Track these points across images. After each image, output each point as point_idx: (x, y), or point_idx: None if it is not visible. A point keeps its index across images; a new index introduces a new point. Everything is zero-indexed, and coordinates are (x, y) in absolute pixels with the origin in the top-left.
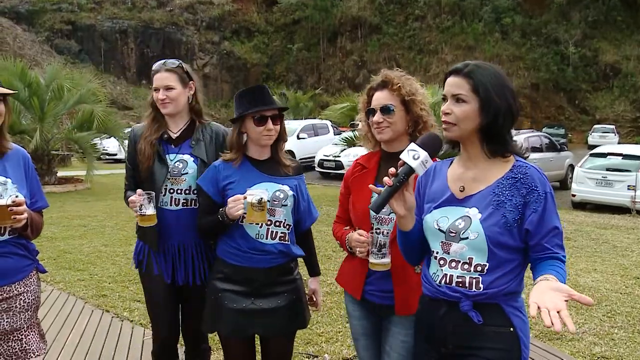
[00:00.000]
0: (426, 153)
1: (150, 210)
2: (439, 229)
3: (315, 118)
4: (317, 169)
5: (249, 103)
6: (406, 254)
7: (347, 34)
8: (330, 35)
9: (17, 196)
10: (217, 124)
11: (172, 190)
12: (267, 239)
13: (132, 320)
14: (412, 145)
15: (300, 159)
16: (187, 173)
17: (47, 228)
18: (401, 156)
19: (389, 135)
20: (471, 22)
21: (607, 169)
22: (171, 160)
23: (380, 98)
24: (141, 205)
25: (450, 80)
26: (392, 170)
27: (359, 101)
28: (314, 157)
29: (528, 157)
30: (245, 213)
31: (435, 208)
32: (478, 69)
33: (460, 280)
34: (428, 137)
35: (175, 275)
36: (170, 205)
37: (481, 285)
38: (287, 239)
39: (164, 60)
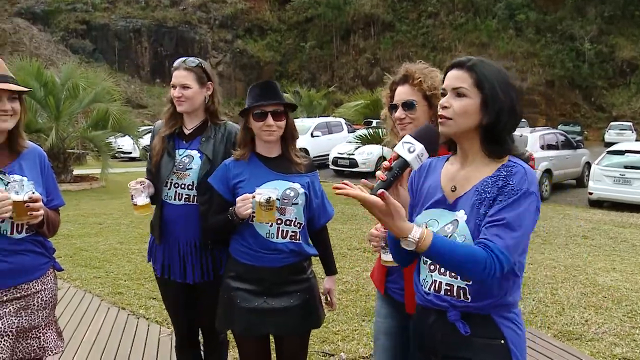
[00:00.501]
0: (422, 146)
1: (140, 199)
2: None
3: (329, 116)
4: (331, 166)
5: (253, 98)
6: (396, 253)
7: (360, 31)
8: (343, 33)
9: (33, 193)
10: (233, 123)
11: (176, 185)
12: (277, 237)
13: (147, 318)
14: (407, 138)
15: (314, 157)
16: (191, 168)
17: (63, 226)
18: (395, 149)
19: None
20: (485, 19)
21: (625, 167)
22: (179, 155)
23: (402, 93)
24: (132, 195)
25: (452, 73)
26: (385, 163)
27: (382, 96)
28: (328, 154)
29: (528, 159)
30: (254, 212)
31: (425, 209)
32: (482, 64)
33: (448, 287)
34: (424, 129)
35: (171, 272)
36: (174, 199)
37: (469, 296)
38: (298, 237)
39: (184, 58)
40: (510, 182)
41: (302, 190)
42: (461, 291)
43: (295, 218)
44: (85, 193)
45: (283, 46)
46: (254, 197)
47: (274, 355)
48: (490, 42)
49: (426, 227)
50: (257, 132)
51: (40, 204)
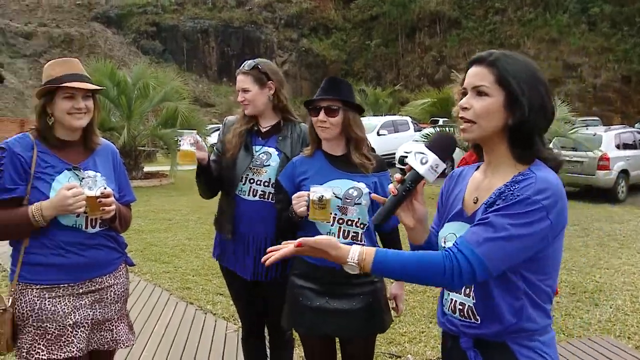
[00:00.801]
0: (435, 156)
1: (185, 145)
2: (444, 248)
3: (395, 114)
4: (398, 165)
5: (317, 93)
6: None
7: (425, 29)
8: (408, 31)
9: (105, 188)
10: (306, 124)
11: (252, 180)
12: (339, 237)
13: (215, 314)
14: (421, 147)
15: (381, 156)
16: (269, 165)
17: (134, 221)
18: (407, 160)
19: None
20: (555, 14)
21: None
22: (256, 152)
23: None
24: (181, 141)
25: (472, 70)
26: (397, 176)
27: (454, 92)
28: (394, 153)
29: (561, 164)
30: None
31: (447, 222)
32: (505, 58)
33: (461, 307)
34: (439, 138)
35: (236, 266)
36: (248, 195)
37: (478, 317)
38: (360, 238)
39: (245, 62)
40: (512, 188)
41: (366, 190)
42: (470, 311)
43: (358, 218)
44: (155, 189)
45: (348, 45)
46: (309, 195)
47: (339, 355)
48: (561, 37)
49: (445, 242)
50: (315, 127)
51: (112, 199)
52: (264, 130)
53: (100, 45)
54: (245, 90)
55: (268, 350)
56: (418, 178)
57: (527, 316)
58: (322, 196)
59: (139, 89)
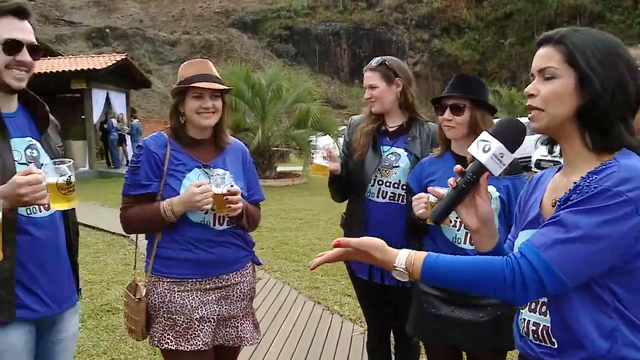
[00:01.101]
0: (500, 144)
1: (317, 159)
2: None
3: None
4: (534, 169)
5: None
6: None
7: (564, 25)
8: (545, 28)
9: (232, 186)
10: (435, 124)
11: (380, 182)
12: (465, 243)
13: (342, 315)
14: (484, 134)
15: (516, 158)
16: (398, 166)
17: (267, 219)
18: (469, 149)
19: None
20: None
21: None
22: (384, 152)
23: None
24: (314, 154)
25: (538, 52)
26: (457, 167)
27: None
28: (530, 157)
29: None
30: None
31: (522, 230)
32: (574, 33)
33: (534, 328)
34: (505, 123)
35: (372, 272)
36: (377, 197)
37: (554, 340)
38: None
39: (372, 60)
40: (589, 180)
41: (496, 194)
42: (545, 333)
43: None
44: (288, 189)
45: (481, 44)
46: (428, 197)
47: None
48: None
49: None
50: (442, 126)
51: (239, 197)
52: (391, 130)
53: (237, 50)
54: (372, 87)
55: (393, 355)
56: (480, 169)
57: (624, 340)
58: None
59: (273, 91)
